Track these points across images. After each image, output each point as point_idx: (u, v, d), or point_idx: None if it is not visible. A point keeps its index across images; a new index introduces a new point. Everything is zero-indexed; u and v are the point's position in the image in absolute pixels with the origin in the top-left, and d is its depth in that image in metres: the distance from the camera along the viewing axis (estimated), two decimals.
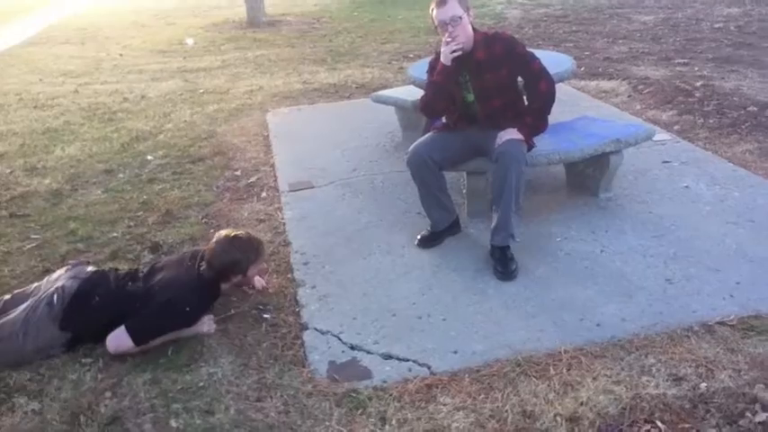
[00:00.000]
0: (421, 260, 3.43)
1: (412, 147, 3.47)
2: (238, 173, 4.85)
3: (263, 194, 4.44)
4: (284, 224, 3.95)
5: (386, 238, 3.68)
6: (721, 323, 2.73)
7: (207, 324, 2.92)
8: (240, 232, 3.07)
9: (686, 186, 4.04)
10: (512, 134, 3.27)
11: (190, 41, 10.70)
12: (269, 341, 2.88)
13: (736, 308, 2.83)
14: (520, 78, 3.48)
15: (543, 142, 3.57)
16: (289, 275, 3.39)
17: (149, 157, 5.27)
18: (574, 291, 3.05)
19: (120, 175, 4.95)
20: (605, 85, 6.58)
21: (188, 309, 2.84)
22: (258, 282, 3.22)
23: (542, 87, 3.34)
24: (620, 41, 8.80)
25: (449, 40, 3.24)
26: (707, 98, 5.81)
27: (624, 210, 3.80)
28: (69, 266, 3.13)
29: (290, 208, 4.15)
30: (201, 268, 2.97)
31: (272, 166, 4.93)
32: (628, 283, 3.07)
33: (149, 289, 2.92)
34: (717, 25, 9.36)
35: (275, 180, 4.65)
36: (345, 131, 5.53)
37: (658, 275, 3.12)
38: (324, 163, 4.86)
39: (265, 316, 3.05)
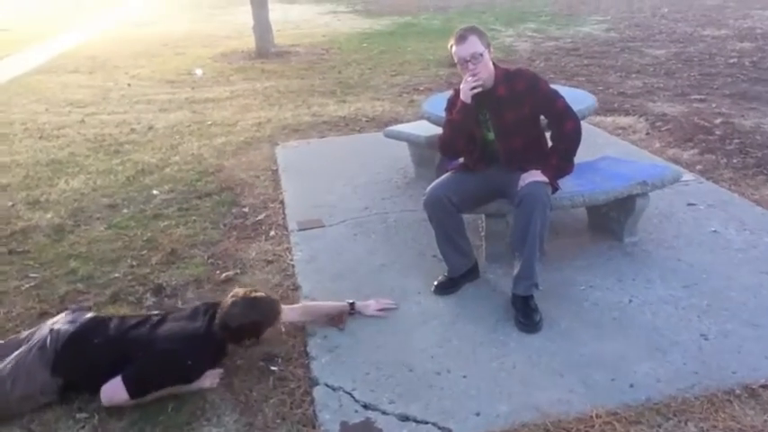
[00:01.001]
0: (438, 308, 3.24)
1: (429, 188, 3.31)
2: (246, 209, 4.69)
3: (272, 233, 4.28)
4: (293, 266, 3.77)
5: (400, 282, 3.49)
6: (765, 386, 2.53)
7: (210, 378, 2.73)
8: (260, 293, 2.85)
9: (714, 231, 3.86)
10: (535, 176, 3.11)
11: (198, 72, 10.64)
12: (276, 397, 2.68)
13: None
14: (542, 117, 3.33)
15: (566, 184, 3.40)
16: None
17: (155, 192, 5.12)
18: (603, 345, 2.85)
19: (125, 211, 4.80)
20: (622, 121, 6.43)
21: (190, 363, 2.66)
22: None
23: (568, 127, 3.18)
24: (634, 76, 8.69)
25: (470, 78, 3.10)
26: (728, 136, 5.66)
27: (651, 256, 3.62)
28: (69, 311, 2.97)
29: (300, 248, 3.98)
30: (214, 326, 2.78)
31: (281, 202, 4.77)
32: (660, 338, 2.88)
33: (153, 338, 2.74)
34: (731, 60, 9.25)
35: (284, 218, 4.48)
36: (356, 166, 5.38)
37: (692, 330, 2.92)
38: (334, 200, 4.70)
39: (273, 368, 2.86)
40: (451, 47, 3.14)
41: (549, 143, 3.35)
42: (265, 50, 11.88)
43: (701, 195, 4.38)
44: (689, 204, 4.25)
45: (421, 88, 8.56)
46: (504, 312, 3.15)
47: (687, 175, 4.70)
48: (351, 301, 3.23)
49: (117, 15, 20.83)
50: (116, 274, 3.81)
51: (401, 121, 6.82)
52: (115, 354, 2.67)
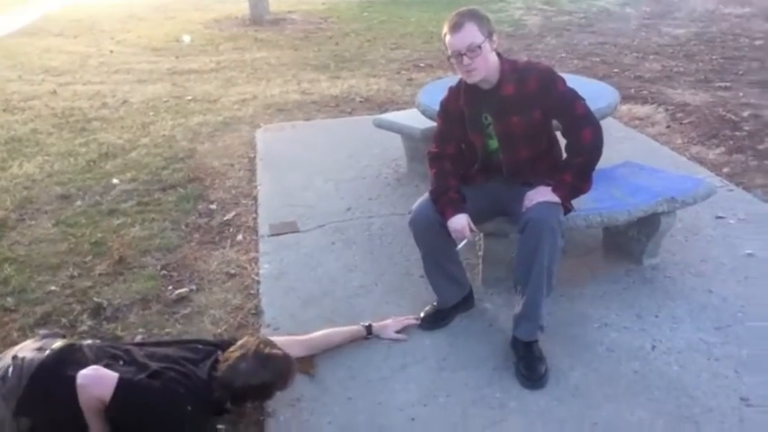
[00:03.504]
0: (423, 348, 2.71)
1: (416, 205, 2.75)
2: (213, 206, 4.14)
3: (239, 237, 3.74)
4: (258, 283, 3.24)
5: (381, 310, 2.96)
6: None
7: None
8: (276, 350, 2.31)
9: (749, 254, 3.32)
10: (545, 194, 2.56)
11: (186, 39, 9.99)
12: None
13: None
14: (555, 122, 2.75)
15: (580, 198, 2.82)
16: None
17: (115, 181, 4.57)
18: (621, 410, 2.33)
19: (78, 203, 4.25)
20: (639, 110, 5.84)
21: (190, 408, 2.13)
22: None
23: (586, 137, 2.60)
24: (651, 57, 8.05)
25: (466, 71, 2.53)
26: (758, 133, 5.07)
27: (676, 285, 3.08)
28: (36, 337, 2.43)
29: (268, 259, 3.44)
30: (214, 379, 2.24)
31: (255, 198, 4.22)
32: (690, 403, 2.35)
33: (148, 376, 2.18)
34: (757, 42, 8.59)
35: (255, 218, 3.94)
36: (342, 157, 4.81)
37: (730, 391, 2.40)
38: (313, 198, 4.15)
39: (219, 427, 2.34)
40: (444, 35, 2.55)
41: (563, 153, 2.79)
42: (260, 17, 11.21)
43: (732, 206, 3.82)
44: (717, 218, 3.69)
45: (421, 65, 7.95)
46: (502, 356, 2.63)
47: (714, 180, 4.13)
48: (367, 323, 2.76)
49: None
50: (53, 287, 3.28)
51: (397, 103, 6.26)
52: None
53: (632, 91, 6.39)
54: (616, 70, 7.40)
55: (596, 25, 10.29)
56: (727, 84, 6.63)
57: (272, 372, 2.24)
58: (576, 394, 2.42)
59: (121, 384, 2.07)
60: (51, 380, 2.15)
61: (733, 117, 5.48)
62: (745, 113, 5.56)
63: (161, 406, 2.11)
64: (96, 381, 2.07)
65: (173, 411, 2.12)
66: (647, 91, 6.46)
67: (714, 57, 7.90)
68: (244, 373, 2.21)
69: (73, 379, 2.08)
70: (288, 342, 2.54)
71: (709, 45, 8.59)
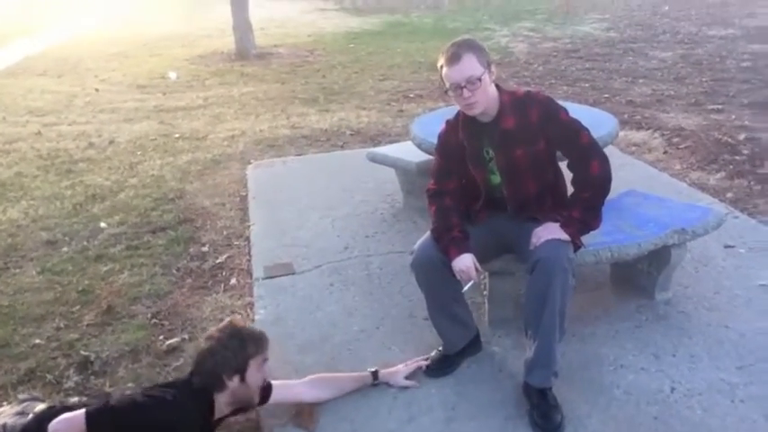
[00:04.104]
0: (429, 397, 2.56)
1: (418, 245, 2.62)
2: (206, 248, 4.01)
3: (233, 281, 3.60)
4: None
5: (383, 356, 2.82)
6: None
7: None
8: (235, 317, 2.37)
9: (763, 285, 3.21)
10: (553, 232, 2.44)
11: (173, 75, 9.92)
12: None
13: None
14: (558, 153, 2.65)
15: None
16: (252, 416, 2.52)
17: (102, 225, 4.42)
18: None
19: (64, 249, 4.10)
20: (634, 136, 5.77)
21: (184, 410, 2.08)
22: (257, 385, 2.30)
23: (594, 169, 2.50)
24: (641, 81, 8.04)
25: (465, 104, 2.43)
26: (757, 157, 5.01)
27: (691, 321, 2.95)
28: (16, 401, 2.33)
29: (264, 304, 3.30)
30: (192, 376, 2.21)
31: (248, 239, 4.08)
32: None
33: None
34: (744, 64, 8.63)
35: (249, 260, 3.80)
36: (336, 192, 4.69)
37: None
38: (309, 237, 4.02)
39: None
40: (441, 67, 2.45)
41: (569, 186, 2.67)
42: (246, 52, 11.17)
43: (740, 234, 3.72)
44: (726, 247, 3.59)
45: (411, 95, 7.89)
46: (514, 404, 2.49)
47: (719, 207, 4.03)
48: (374, 369, 2.61)
49: (98, 13, 19.98)
50: (38, 340, 3.12)
51: (389, 135, 6.17)
52: None
53: (626, 116, 6.34)
54: (606, 95, 7.37)
55: (582, 51, 10.32)
56: (720, 106, 6.61)
57: (238, 337, 2.19)
58: None
59: (91, 414, 2.01)
60: None
61: (730, 140, 5.42)
62: (742, 136, 5.51)
63: (140, 411, 2.04)
64: (65, 423, 2.00)
65: (156, 411, 2.05)
66: (640, 116, 6.42)
67: (704, 79, 7.91)
68: (211, 350, 2.17)
69: None
70: (292, 384, 2.49)
71: (696, 67, 8.61)
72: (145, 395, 2.09)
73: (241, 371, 2.18)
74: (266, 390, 2.36)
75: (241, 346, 2.18)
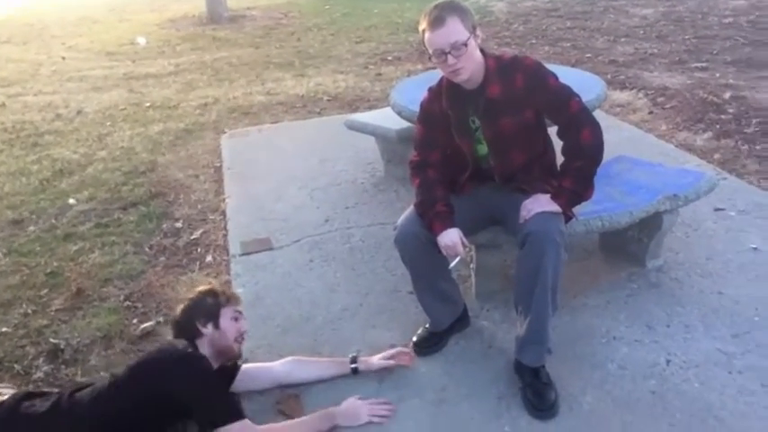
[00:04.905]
0: (418, 378, 2.46)
1: (401, 220, 2.49)
2: (179, 224, 3.85)
3: (208, 258, 3.45)
4: None
5: (368, 336, 2.71)
6: None
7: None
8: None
9: (755, 248, 3.13)
10: (543, 204, 2.31)
11: (142, 41, 9.59)
12: None
13: None
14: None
15: None
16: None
17: (71, 201, 4.24)
18: None
19: (31, 228, 3.92)
20: (618, 96, 5.65)
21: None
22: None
23: (586, 137, 2.36)
24: (623, 40, 7.89)
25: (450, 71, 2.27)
26: (743, 115, 4.91)
27: (683, 288, 2.87)
28: None
29: (242, 282, 3.16)
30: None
31: (223, 213, 3.93)
32: (718, 425, 2.14)
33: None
34: (726, 20, 8.48)
35: (225, 236, 3.66)
36: (314, 163, 4.54)
37: (761, 411, 2.19)
38: (287, 210, 3.87)
39: None
40: (423, 31, 2.27)
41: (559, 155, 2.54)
42: (217, 15, 10.84)
43: (729, 196, 3.64)
44: (716, 210, 3.51)
45: (389, 58, 7.68)
46: (506, 383, 2.39)
47: (707, 169, 3.94)
48: (354, 363, 2.48)
49: None
50: (4, 328, 2.96)
51: (367, 100, 6.00)
52: None
53: (609, 76, 6.20)
54: (589, 55, 7.22)
55: (562, 9, 10.12)
56: (704, 64, 6.49)
57: (205, 292, 2.28)
58: (592, 422, 2.19)
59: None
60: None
61: (715, 99, 5.32)
62: (727, 95, 5.40)
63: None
64: None
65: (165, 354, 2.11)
66: (623, 76, 6.29)
67: (686, 37, 7.77)
68: (185, 306, 2.26)
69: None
70: (268, 366, 2.47)
71: (679, 25, 8.46)
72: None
73: (214, 317, 2.21)
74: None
75: (212, 296, 2.27)
